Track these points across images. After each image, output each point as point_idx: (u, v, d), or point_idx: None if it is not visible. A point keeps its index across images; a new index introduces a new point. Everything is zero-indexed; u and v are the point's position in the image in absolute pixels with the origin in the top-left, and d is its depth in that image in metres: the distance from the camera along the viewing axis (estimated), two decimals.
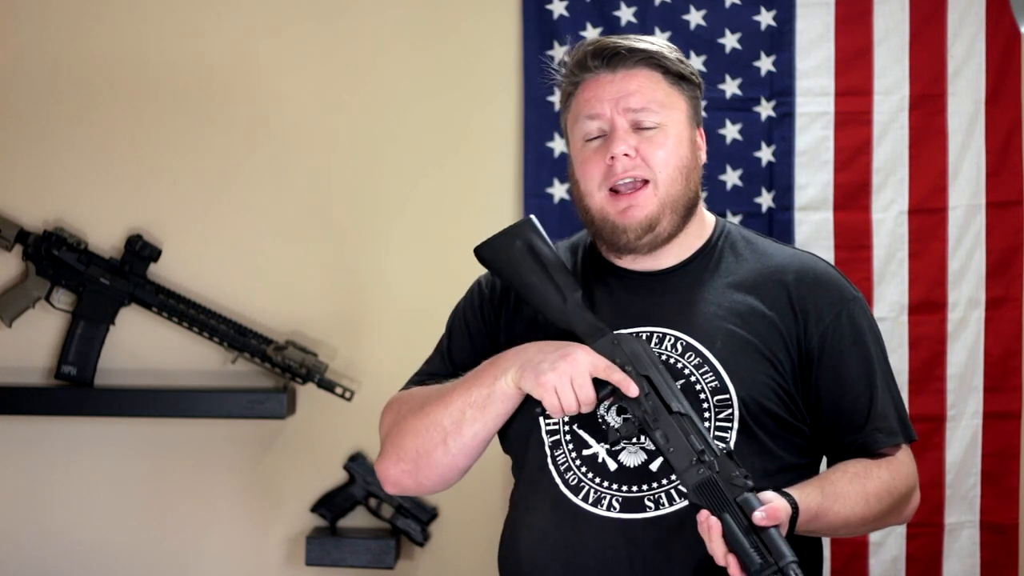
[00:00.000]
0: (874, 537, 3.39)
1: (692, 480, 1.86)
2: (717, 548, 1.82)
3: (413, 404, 2.06)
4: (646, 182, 2.00)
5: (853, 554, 3.39)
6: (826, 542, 3.34)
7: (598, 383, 1.93)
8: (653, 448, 1.94)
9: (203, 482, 3.40)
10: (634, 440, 1.96)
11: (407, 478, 2.07)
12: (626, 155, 1.99)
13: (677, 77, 2.04)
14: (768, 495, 1.84)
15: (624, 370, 1.93)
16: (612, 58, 2.01)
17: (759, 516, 1.80)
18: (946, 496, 3.41)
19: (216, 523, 3.41)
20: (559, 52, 3.37)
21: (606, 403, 1.96)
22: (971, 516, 3.43)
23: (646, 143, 2.00)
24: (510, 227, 2.07)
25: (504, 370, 1.98)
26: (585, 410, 1.94)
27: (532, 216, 2.10)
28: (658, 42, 2.06)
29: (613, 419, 1.96)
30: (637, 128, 2.01)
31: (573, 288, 2.01)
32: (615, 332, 1.97)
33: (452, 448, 2.02)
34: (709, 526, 1.82)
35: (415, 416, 2.04)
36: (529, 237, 2.05)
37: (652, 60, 2.02)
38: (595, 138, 2.03)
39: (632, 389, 1.92)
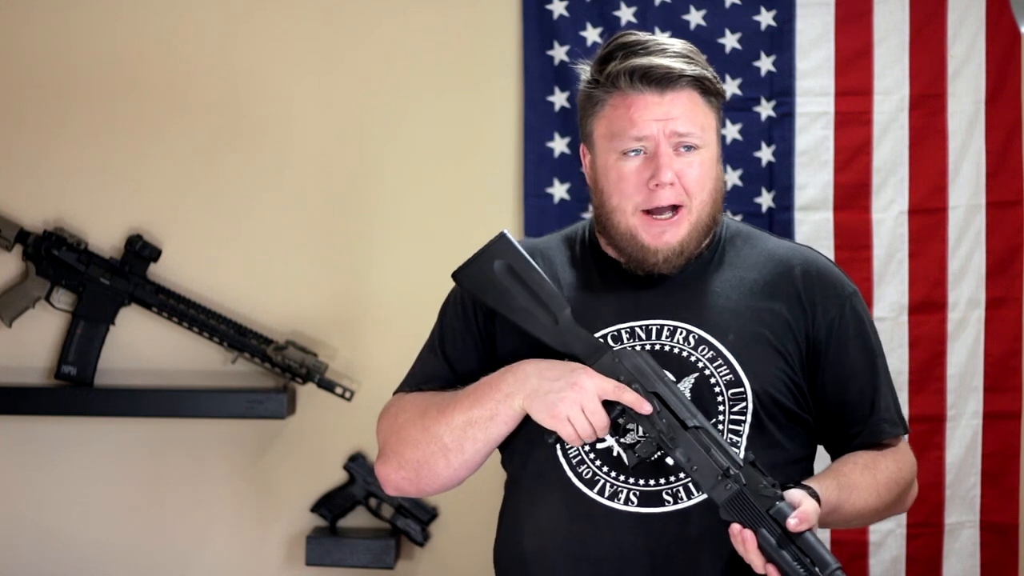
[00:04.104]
0: (874, 537, 3.39)
1: (721, 496, 1.87)
2: (755, 559, 1.84)
3: (412, 413, 2.05)
4: (680, 206, 2.01)
5: (853, 554, 3.39)
6: (824, 541, 3.35)
7: (608, 404, 1.93)
8: None
9: (203, 482, 3.40)
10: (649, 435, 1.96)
11: (408, 484, 2.08)
12: (670, 184, 1.99)
13: (712, 95, 2.03)
14: (795, 495, 1.85)
15: (631, 388, 1.93)
16: (661, 80, 1.99)
17: (793, 523, 1.81)
18: (946, 496, 3.41)
19: (216, 523, 3.41)
20: (560, 52, 3.37)
21: (617, 432, 1.95)
22: (971, 516, 3.43)
23: (686, 167, 2.00)
24: (485, 247, 2.04)
25: (508, 395, 1.97)
26: (600, 435, 1.94)
27: (505, 231, 2.07)
28: (688, 51, 2.04)
29: (631, 439, 1.95)
30: (677, 149, 2.00)
31: (562, 305, 2.00)
32: (614, 349, 1.96)
33: (454, 463, 2.03)
34: (744, 539, 1.84)
35: (414, 427, 2.04)
36: (508, 256, 2.03)
37: (695, 81, 2.01)
38: (632, 152, 2.01)
39: (645, 407, 1.92)
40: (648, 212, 2.00)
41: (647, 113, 1.99)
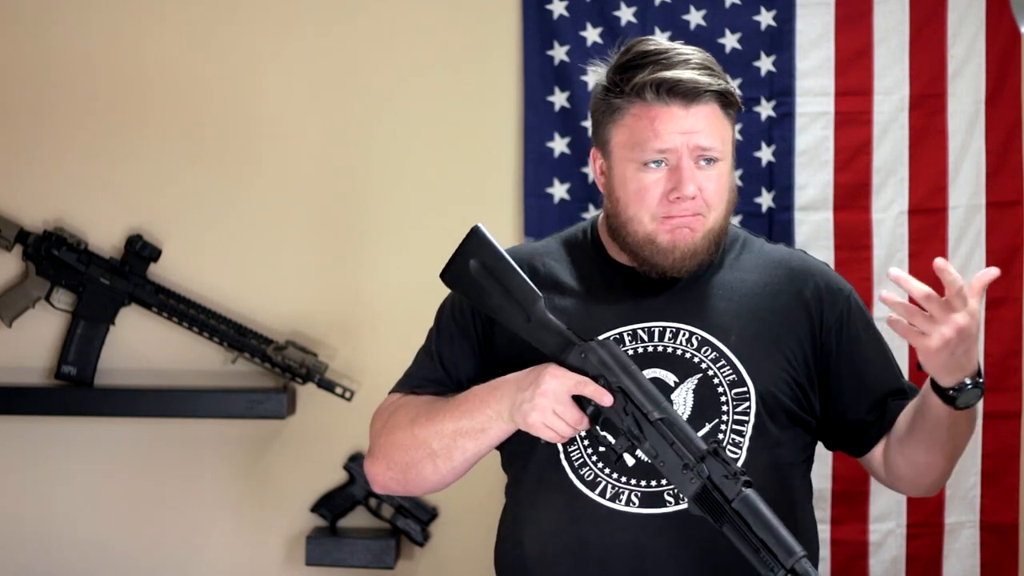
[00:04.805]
0: (874, 537, 3.39)
1: (689, 491, 1.86)
2: None
3: (403, 417, 2.06)
4: (698, 215, 2.01)
5: (853, 554, 3.39)
6: (824, 541, 3.35)
7: (580, 399, 1.93)
8: None
9: (203, 482, 3.40)
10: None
11: (396, 485, 2.09)
12: (691, 197, 1.99)
13: (731, 107, 2.03)
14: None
15: (596, 382, 1.92)
16: (688, 94, 1.99)
17: (896, 274, 1.88)
18: (946, 496, 3.41)
19: (216, 523, 3.41)
20: (560, 52, 3.37)
21: (598, 424, 1.94)
22: (971, 516, 3.43)
23: (705, 180, 2.00)
24: (461, 245, 2.02)
25: (499, 412, 1.97)
26: (579, 428, 1.94)
27: (479, 225, 2.04)
28: (709, 62, 2.03)
29: (611, 439, 1.95)
30: (698, 162, 2.00)
31: (533, 299, 1.98)
32: (583, 342, 1.95)
33: (442, 469, 2.03)
34: None
35: (403, 431, 2.04)
36: (481, 254, 2.01)
37: (718, 95, 2.01)
38: (653, 164, 2.00)
39: (606, 399, 1.91)
40: (665, 217, 2.01)
41: (672, 126, 1.99)
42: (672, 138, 1.99)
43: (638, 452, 1.94)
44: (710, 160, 2.00)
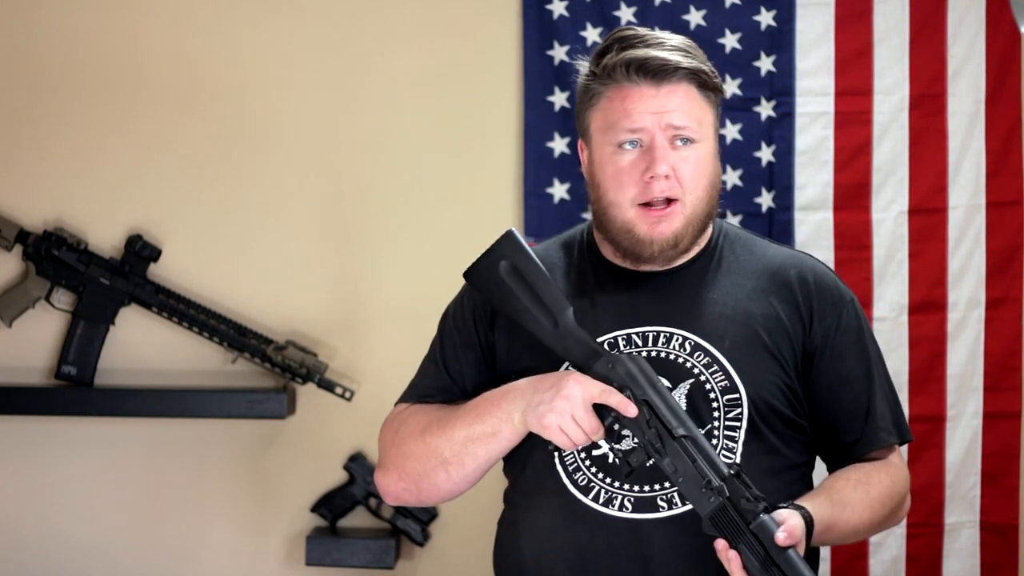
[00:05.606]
0: (874, 537, 3.39)
1: (705, 509, 1.85)
2: None
3: (413, 426, 2.06)
4: (675, 200, 1.99)
5: (853, 554, 3.39)
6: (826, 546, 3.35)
7: (601, 409, 1.93)
8: None
9: (203, 482, 3.40)
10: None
11: (408, 495, 2.09)
12: (665, 176, 1.98)
13: (710, 89, 2.02)
14: (783, 513, 1.84)
15: (622, 393, 1.92)
16: (657, 72, 1.98)
17: (781, 537, 1.80)
18: (946, 496, 3.41)
19: (216, 523, 3.41)
20: (560, 52, 3.37)
21: (612, 437, 1.94)
22: (971, 516, 3.43)
23: (681, 162, 1.99)
24: (493, 246, 2.03)
25: (508, 413, 1.97)
26: (596, 439, 1.93)
27: (512, 229, 2.05)
28: (686, 45, 2.03)
29: (627, 445, 1.94)
30: (673, 142, 1.99)
31: (563, 308, 1.98)
32: (610, 354, 1.95)
33: (455, 476, 2.03)
34: (728, 559, 1.83)
35: (415, 441, 2.04)
36: (512, 256, 2.02)
37: (692, 75, 2.00)
38: (628, 145, 2.00)
39: (631, 409, 1.90)
40: (643, 205, 2.00)
41: (642, 105, 1.98)
42: (643, 117, 1.98)
43: (648, 464, 1.94)
44: (687, 141, 1.99)
